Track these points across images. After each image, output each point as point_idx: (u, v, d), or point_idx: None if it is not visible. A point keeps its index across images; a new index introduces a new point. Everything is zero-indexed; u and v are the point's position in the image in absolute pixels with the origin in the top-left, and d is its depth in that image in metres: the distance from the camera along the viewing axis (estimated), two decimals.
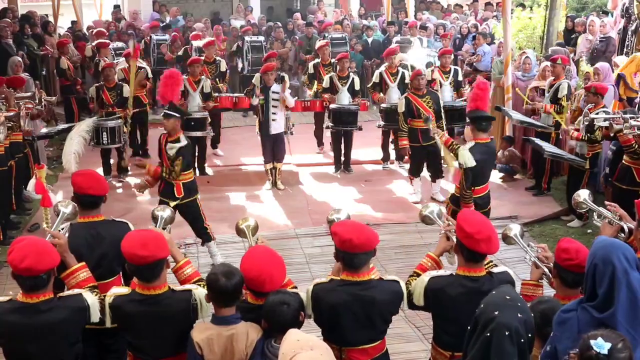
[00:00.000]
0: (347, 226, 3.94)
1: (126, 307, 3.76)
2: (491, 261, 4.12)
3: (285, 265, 3.96)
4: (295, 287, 4.18)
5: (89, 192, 4.60)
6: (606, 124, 7.58)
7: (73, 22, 16.79)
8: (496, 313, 2.91)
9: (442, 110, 9.44)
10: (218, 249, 7.79)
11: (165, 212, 4.79)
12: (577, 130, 8.35)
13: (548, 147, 8.50)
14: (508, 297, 3.03)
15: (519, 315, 2.94)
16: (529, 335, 2.95)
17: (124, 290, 3.91)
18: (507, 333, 2.87)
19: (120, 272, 4.68)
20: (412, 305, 4.03)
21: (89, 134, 8.15)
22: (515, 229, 4.57)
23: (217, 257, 7.57)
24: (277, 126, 9.75)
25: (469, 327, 3.08)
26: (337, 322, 3.87)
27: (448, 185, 9.88)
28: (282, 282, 3.91)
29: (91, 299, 3.78)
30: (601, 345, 2.63)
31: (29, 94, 9.06)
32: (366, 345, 3.93)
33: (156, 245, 3.74)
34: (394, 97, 10.50)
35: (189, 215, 7.49)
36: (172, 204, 6.98)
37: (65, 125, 10.82)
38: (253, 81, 10.71)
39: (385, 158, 11.13)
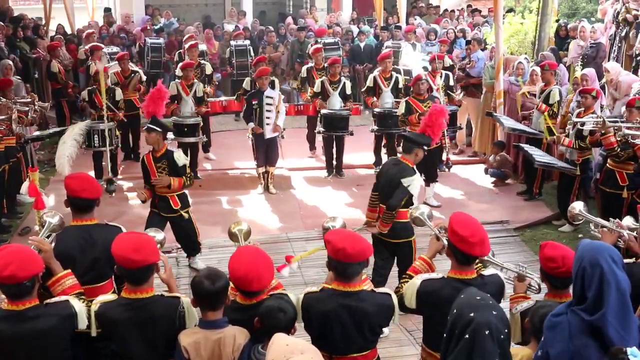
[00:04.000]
0: (342, 235, 3.92)
1: (112, 313, 3.73)
2: (479, 263, 4.15)
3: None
4: (284, 291, 4.18)
5: (82, 196, 4.58)
6: (590, 126, 7.67)
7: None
8: (472, 314, 2.93)
9: None
10: (210, 251, 7.81)
11: (157, 235, 4.76)
12: (567, 135, 8.44)
13: (538, 156, 8.54)
14: (479, 297, 3.05)
15: (494, 312, 2.97)
16: (506, 330, 2.98)
17: (110, 297, 3.90)
18: (487, 332, 2.89)
19: (112, 276, 4.68)
20: (403, 308, 4.04)
21: (82, 137, 8.13)
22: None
23: (200, 265, 7.50)
24: (271, 130, 9.75)
25: (444, 334, 3.09)
26: (327, 331, 3.87)
27: (441, 189, 9.93)
28: (270, 282, 3.91)
29: (78, 305, 3.75)
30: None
31: (28, 100, 9.05)
32: (356, 354, 3.93)
33: (149, 249, 3.74)
34: (388, 101, 10.55)
35: (184, 228, 7.42)
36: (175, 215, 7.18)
37: (57, 129, 10.81)
38: (243, 85, 10.73)
39: (378, 162, 11.11)
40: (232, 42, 14.12)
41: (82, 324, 3.75)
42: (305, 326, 3.95)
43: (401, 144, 6.73)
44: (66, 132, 8.10)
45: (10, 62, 10.90)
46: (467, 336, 2.92)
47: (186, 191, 7.44)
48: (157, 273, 3.87)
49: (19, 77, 10.80)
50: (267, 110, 9.63)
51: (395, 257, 6.39)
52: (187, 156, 10.09)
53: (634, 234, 4.44)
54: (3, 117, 8.15)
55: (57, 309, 3.69)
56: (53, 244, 4.34)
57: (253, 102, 9.68)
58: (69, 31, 16.44)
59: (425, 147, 6.39)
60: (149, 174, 7.16)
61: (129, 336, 3.74)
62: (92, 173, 10.23)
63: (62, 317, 3.67)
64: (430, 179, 9.44)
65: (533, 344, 3.49)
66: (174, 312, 3.77)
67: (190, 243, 7.55)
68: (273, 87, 10.23)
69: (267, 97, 9.64)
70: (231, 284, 3.89)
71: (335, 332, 3.84)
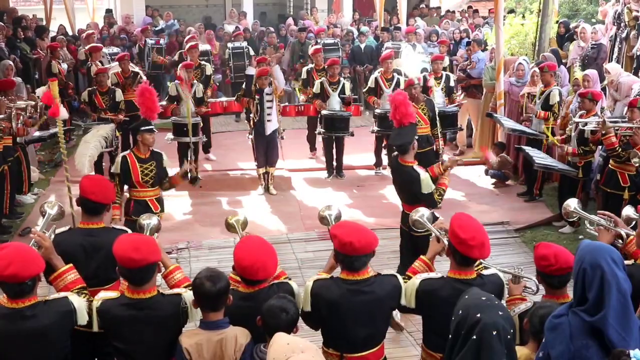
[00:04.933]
0: (348, 229, 3.93)
1: (115, 311, 3.74)
2: (481, 262, 4.14)
3: None
4: (289, 278, 4.21)
5: (90, 198, 4.61)
6: (592, 127, 7.68)
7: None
8: (479, 315, 2.93)
9: (437, 118, 9.46)
10: (209, 252, 7.80)
11: (152, 220, 4.76)
12: (565, 140, 8.47)
13: (539, 158, 8.53)
14: (484, 298, 3.05)
15: (500, 313, 2.98)
16: (512, 331, 2.99)
17: (112, 294, 3.88)
18: (494, 333, 2.90)
19: (119, 280, 4.67)
20: (403, 308, 4.05)
21: (107, 141, 8.14)
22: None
23: None
24: (272, 126, 9.75)
25: (450, 335, 3.09)
26: (336, 319, 3.87)
27: None
28: (275, 271, 3.93)
29: (77, 301, 3.75)
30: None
31: (31, 102, 9.05)
32: (365, 351, 3.93)
33: (149, 249, 3.74)
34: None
35: None
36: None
37: (57, 129, 10.78)
38: (243, 86, 10.73)
39: (378, 163, 11.15)
40: (229, 44, 14.09)
41: (82, 319, 3.74)
42: (314, 314, 3.95)
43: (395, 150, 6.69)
44: (90, 132, 8.08)
45: (11, 63, 10.91)
46: (474, 337, 2.92)
47: (161, 194, 7.30)
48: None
49: (20, 79, 10.80)
50: (267, 107, 9.64)
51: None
52: (187, 156, 10.18)
53: (633, 233, 4.40)
54: (2, 115, 8.15)
55: (56, 306, 3.69)
56: (52, 236, 4.34)
57: (256, 97, 9.63)
58: (69, 32, 16.46)
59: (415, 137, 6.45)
60: (130, 174, 6.91)
61: (130, 335, 3.73)
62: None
63: (61, 314, 3.67)
64: None
65: (531, 344, 3.49)
66: (176, 310, 3.77)
67: None
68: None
69: (267, 94, 9.64)
70: (229, 275, 3.90)
71: (346, 320, 3.85)
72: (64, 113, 6.82)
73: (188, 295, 3.81)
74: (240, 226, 4.71)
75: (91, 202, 4.61)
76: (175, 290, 3.94)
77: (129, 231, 4.68)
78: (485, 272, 4.04)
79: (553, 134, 9.27)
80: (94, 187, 4.65)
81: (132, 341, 3.75)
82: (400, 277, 4.03)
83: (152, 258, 3.73)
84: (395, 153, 6.60)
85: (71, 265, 4.14)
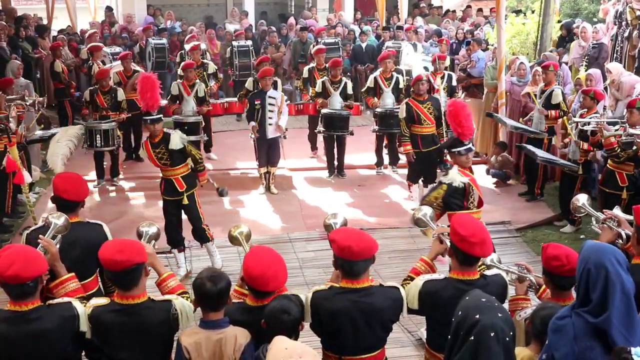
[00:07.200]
0: (346, 233, 3.92)
1: (104, 317, 3.70)
2: (483, 264, 4.14)
3: None
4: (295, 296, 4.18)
5: (63, 196, 4.64)
6: (590, 127, 7.68)
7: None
8: (477, 316, 2.93)
9: (443, 117, 9.44)
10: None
11: (151, 228, 4.70)
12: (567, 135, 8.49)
13: (540, 153, 8.54)
14: (484, 300, 3.05)
15: (499, 314, 2.98)
16: (511, 333, 2.99)
17: (102, 300, 3.85)
18: (492, 334, 2.90)
19: (95, 274, 4.70)
20: (406, 309, 4.03)
21: (78, 140, 8.18)
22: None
23: (216, 257, 7.65)
24: (273, 130, 9.77)
25: (449, 336, 3.09)
26: (336, 330, 3.85)
27: None
28: (286, 281, 3.90)
29: (81, 307, 3.74)
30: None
31: (29, 102, 9.09)
32: (366, 354, 3.91)
33: (132, 250, 3.70)
34: (388, 102, 10.54)
35: (190, 213, 7.52)
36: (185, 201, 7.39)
37: (59, 129, 10.80)
38: (246, 85, 10.74)
39: (379, 163, 11.15)
40: (234, 43, 14.12)
41: (84, 326, 3.73)
42: (315, 325, 3.93)
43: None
44: (59, 132, 8.13)
45: (20, 63, 11.00)
46: (472, 338, 2.92)
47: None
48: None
49: (22, 78, 10.83)
50: (269, 111, 9.65)
51: None
52: None
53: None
54: (1, 115, 8.18)
55: (59, 309, 3.69)
56: (58, 245, 4.34)
57: (255, 102, 9.68)
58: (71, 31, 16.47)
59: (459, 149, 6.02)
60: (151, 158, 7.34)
61: (120, 341, 3.70)
62: (93, 173, 10.29)
63: (64, 318, 3.66)
64: (429, 180, 9.38)
65: (534, 345, 3.49)
66: (166, 317, 3.74)
67: (195, 229, 7.60)
68: (275, 88, 10.25)
69: (269, 97, 9.65)
70: (234, 288, 3.88)
71: (345, 330, 3.83)
72: (28, 178, 7.01)
73: (179, 302, 3.79)
74: (244, 238, 4.68)
75: (64, 201, 4.64)
76: (167, 297, 3.90)
77: (104, 225, 4.71)
78: (488, 272, 4.03)
79: (554, 133, 9.27)
80: (67, 185, 4.68)
81: (122, 347, 3.71)
82: (402, 290, 3.97)
83: (137, 259, 3.67)
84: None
85: (73, 274, 4.14)
